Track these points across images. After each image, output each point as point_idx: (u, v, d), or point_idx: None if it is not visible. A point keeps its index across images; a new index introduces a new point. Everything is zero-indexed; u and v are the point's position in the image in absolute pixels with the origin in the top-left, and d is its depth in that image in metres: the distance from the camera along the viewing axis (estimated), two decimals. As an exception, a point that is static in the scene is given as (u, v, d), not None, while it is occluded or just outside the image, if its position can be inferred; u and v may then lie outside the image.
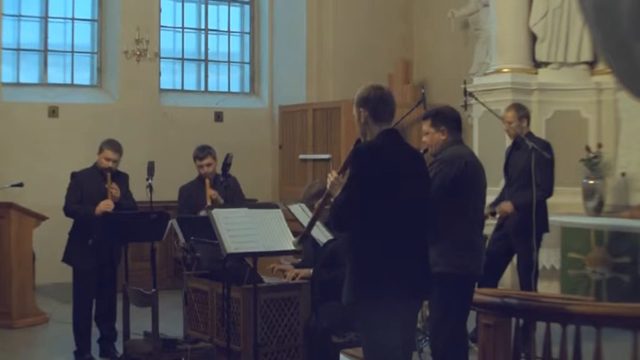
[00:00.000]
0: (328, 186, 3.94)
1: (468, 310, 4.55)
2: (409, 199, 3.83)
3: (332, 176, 3.93)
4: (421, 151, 4.94)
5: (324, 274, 5.22)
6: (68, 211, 6.19)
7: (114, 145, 6.23)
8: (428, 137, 4.84)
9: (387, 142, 3.89)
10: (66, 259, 6.25)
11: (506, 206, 6.34)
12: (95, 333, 6.27)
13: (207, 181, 6.58)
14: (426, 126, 4.86)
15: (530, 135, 6.52)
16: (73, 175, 6.27)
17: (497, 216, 6.48)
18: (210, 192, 6.48)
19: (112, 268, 6.27)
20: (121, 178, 6.28)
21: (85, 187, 6.16)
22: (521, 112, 6.58)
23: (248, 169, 9.77)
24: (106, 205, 5.98)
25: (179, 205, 6.78)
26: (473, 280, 4.66)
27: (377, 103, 3.91)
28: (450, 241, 4.57)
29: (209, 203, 6.39)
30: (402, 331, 3.81)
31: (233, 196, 6.14)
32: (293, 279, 5.48)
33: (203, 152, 6.67)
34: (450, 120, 4.81)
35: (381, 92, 3.95)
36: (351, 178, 3.78)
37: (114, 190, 6.06)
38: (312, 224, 4.21)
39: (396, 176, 3.81)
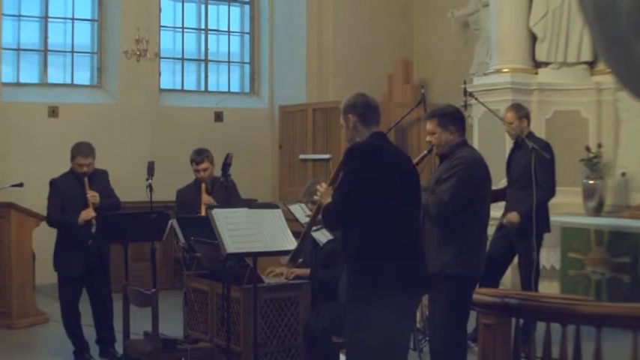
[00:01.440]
0: (319, 197, 3.96)
1: (469, 311, 4.57)
2: (404, 198, 3.87)
3: (322, 187, 3.96)
4: (425, 151, 4.95)
5: (323, 273, 5.22)
6: (51, 221, 6.18)
7: (83, 151, 6.11)
8: (434, 137, 4.75)
9: (380, 143, 3.94)
10: (54, 266, 6.24)
11: (513, 216, 6.35)
12: (95, 334, 6.27)
13: (203, 186, 6.53)
14: (432, 125, 4.77)
15: (531, 135, 6.52)
16: (52, 183, 6.21)
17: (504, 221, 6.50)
18: (205, 198, 6.44)
19: (104, 271, 6.23)
20: (99, 177, 6.22)
21: (64, 194, 6.11)
22: (521, 112, 6.58)
23: (248, 169, 9.78)
24: (87, 214, 5.93)
25: (176, 208, 6.75)
26: (476, 281, 4.69)
27: (364, 107, 3.98)
28: (464, 243, 4.57)
29: (203, 210, 6.36)
30: (398, 329, 3.82)
31: (230, 198, 6.11)
32: (287, 278, 5.50)
33: (200, 156, 6.55)
34: (457, 120, 4.78)
35: (367, 98, 4.03)
36: (346, 174, 3.80)
37: (91, 197, 5.99)
38: (304, 240, 4.24)
39: (391, 175, 3.84)
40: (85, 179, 6.04)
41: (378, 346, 3.76)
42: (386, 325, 3.74)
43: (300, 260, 5.69)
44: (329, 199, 3.87)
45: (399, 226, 3.81)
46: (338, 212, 3.82)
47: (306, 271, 5.46)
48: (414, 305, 4.08)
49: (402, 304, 3.84)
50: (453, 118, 4.77)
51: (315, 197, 4.02)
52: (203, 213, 6.29)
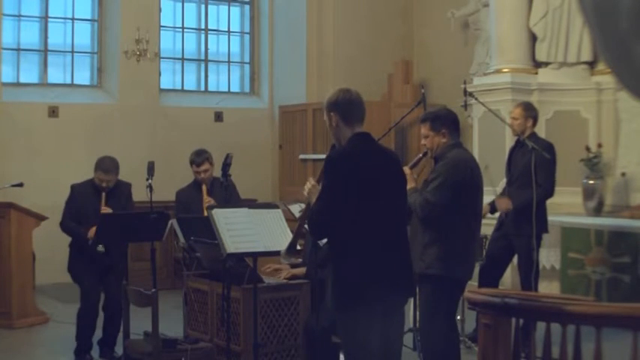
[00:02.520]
0: (306, 194, 3.96)
1: (455, 310, 4.64)
2: (386, 202, 3.85)
3: (309, 184, 3.95)
4: (420, 154, 4.99)
5: (323, 273, 5.22)
6: (64, 227, 6.22)
7: (105, 166, 6.11)
8: (427, 140, 4.85)
9: (359, 147, 3.87)
10: (69, 270, 6.25)
11: (505, 202, 6.34)
12: (95, 335, 6.27)
13: (203, 187, 6.52)
14: (425, 129, 4.87)
15: (534, 135, 6.51)
16: (72, 188, 6.25)
17: (497, 214, 6.50)
18: (206, 200, 6.43)
19: (117, 276, 6.19)
20: (120, 190, 6.23)
21: (81, 203, 6.14)
22: (529, 112, 6.57)
23: (248, 169, 9.79)
24: (93, 233, 5.93)
25: (176, 208, 6.74)
26: (462, 285, 4.71)
27: (346, 105, 3.90)
28: (448, 245, 4.61)
29: (205, 211, 6.36)
30: (383, 331, 3.83)
31: (230, 198, 6.10)
32: (286, 278, 5.50)
33: (200, 158, 6.54)
34: (449, 122, 4.83)
35: (350, 95, 3.94)
36: (325, 187, 3.79)
37: (105, 212, 6.00)
38: (297, 236, 4.24)
39: (370, 181, 3.81)
40: (103, 194, 6.06)
41: (369, 349, 3.78)
42: (372, 328, 3.76)
43: (300, 260, 5.71)
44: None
45: (381, 230, 3.80)
46: (319, 224, 3.83)
47: (302, 270, 5.47)
48: (398, 305, 4.05)
49: (386, 306, 3.85)
50: (445, 121, 4.82)
51: (304, 192, 4.01)
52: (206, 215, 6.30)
